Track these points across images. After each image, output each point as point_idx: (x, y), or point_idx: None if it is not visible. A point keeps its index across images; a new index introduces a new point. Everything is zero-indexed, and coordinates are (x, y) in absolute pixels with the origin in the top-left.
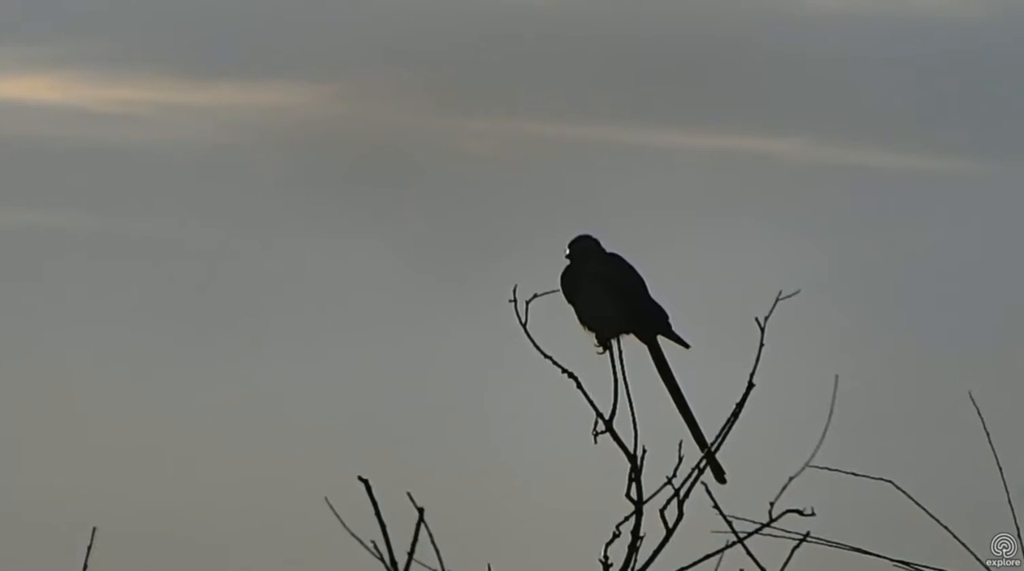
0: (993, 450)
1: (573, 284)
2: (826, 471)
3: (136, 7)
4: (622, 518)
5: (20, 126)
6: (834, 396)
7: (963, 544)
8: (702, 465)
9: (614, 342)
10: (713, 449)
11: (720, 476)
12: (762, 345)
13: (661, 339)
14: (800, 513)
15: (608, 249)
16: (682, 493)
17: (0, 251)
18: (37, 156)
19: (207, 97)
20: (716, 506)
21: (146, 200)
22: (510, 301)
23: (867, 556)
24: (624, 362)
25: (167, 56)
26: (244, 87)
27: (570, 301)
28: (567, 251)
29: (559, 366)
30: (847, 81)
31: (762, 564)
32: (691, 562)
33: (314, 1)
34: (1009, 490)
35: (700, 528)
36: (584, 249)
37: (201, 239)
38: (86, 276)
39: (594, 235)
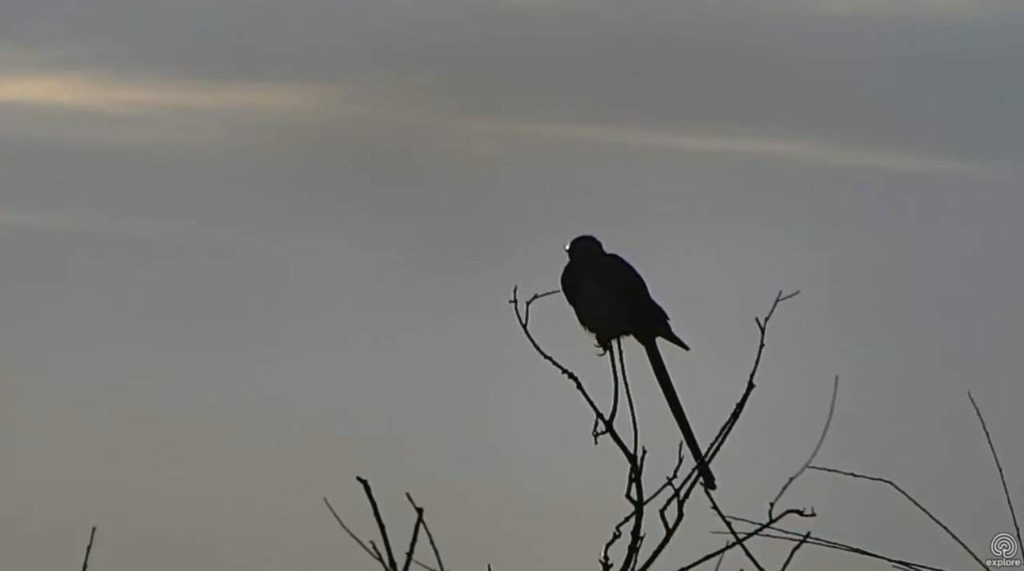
0: (993, 450)
1: (574, 283)
2: (826, 471)
3: (146, 9)
4: (622, 518)
5: (29, 127)
6: (834, 396)
7: (963, 544)
8: (696, 471)
9: (614, 343)
10: (707, 459)
11: (710, 483)
12: (762, 345)
13: (660, 342)
14: (800, 513)
15: (610, 250)
16: (682, 494)
17: (9, 252)
18: (46, 157)
19: (217, 99)
20: (716, 507)
21: (155, 202)
22: (510, 302)
23: (867, 556)
24: (624, 363)
25: (177, 58)
26: (254, 89)
27: (571, 301)
28: (567, 247)
29: (559, 367)
30: (855, 83)
31: (762, 565)
32: (691, 563)
33: (323, 4)
34: (1009, 490)
35: (700, 528)
36: (585, 249)
37: (209, 240)
38: (92, 276)
39: (596, 236)
